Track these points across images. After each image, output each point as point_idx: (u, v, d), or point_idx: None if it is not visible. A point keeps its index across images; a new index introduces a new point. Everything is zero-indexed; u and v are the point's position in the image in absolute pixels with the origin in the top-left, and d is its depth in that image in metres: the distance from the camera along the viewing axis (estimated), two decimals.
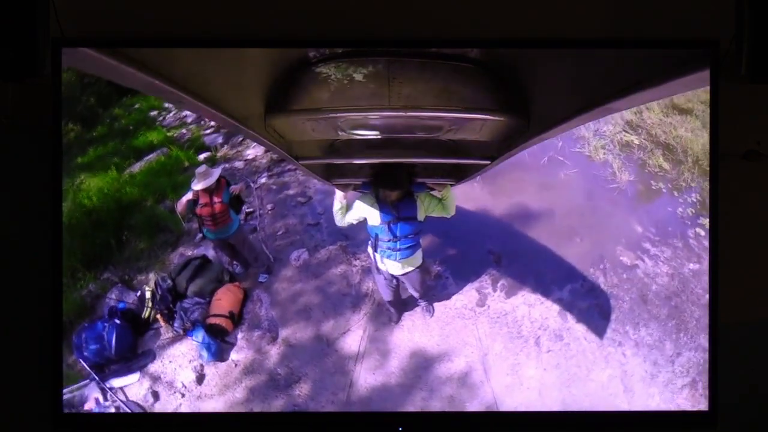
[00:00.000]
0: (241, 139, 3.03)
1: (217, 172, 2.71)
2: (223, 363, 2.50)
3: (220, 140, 3.07)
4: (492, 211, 2.77)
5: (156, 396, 2.44)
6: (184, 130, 3.01)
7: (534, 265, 2.58)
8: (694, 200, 2.55)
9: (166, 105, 2.95)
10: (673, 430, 2.21)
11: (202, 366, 2.50)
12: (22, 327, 2.25)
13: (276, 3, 2.23)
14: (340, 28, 2.21)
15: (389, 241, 2.46)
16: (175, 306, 2.65)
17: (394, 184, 2.37)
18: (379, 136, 2.06)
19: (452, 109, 1.82)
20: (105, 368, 2.47)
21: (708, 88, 2.04)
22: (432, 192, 2.50)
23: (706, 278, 2.30)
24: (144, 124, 2.93)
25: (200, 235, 2.83)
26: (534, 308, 2.49)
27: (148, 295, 2.65)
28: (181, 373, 2.49)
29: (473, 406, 2.31)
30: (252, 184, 3.00)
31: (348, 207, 2.50)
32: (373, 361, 2.42)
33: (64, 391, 2.23)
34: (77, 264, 2.54)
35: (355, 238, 2.74)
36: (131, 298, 2.65)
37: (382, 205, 2.44)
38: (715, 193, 2.07)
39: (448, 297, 2.60)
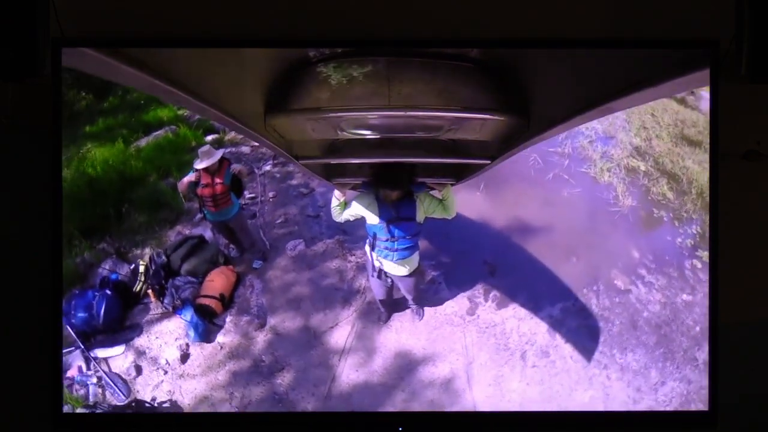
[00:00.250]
0: None
1: (219, 153, 2.72)
2: (208, 344, 2.50)
3: None
4: (491, 222, 2.77)
5: (138, 370, 2.44)
6: None
7: (528, 279, 2.58)
8: (694, 232, 2.55)
9: None
10: (673, 430, 2.19)
11: (187, 345, 2.50)
12: (22, 327, 2.25)
13: (276, 3, 2.24)
14: (340, 28, 2.21)
15: (387, 240, 2.46)
16: (167, 283, 2.66)
17: (395, 184, 2.37)
18: (379, 136, 2.06)
19: (452, 109, 1.82)
20: (91, 337, 2.47)
21: (709, 86, 2.04)
22: (432, 192, 2.49)
23: (698, 310, 2.30)
24: (155, 100, 2.93)
25: (200, 215, 2.83)
26: (523, 322, 2.48)
27: (141, 269, 2.65)
28: (166, 350, 2.49)
29: None
30: (256, 170, 3.01)
31: (346, 204, 2.50)
32: (358, 358, 2.42)
33: None
34: (74, 231, 2.55)
35: (353, 234, 2.74)
36: (125, 270, 2.66)
37: (380, 204, 2.44)
38: (715, 193, 2.06)
39: (439, 302, 2.60)
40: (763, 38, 1.99)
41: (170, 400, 2.37)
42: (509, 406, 2.30)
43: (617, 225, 2.66)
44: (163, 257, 2.69)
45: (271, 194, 2.99)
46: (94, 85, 2.72)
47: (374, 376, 2.38)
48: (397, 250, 2.47)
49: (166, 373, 2.44)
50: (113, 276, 2.63)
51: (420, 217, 2.44)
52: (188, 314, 2.54)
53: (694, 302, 2.39)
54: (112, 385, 2.38)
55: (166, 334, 2.54)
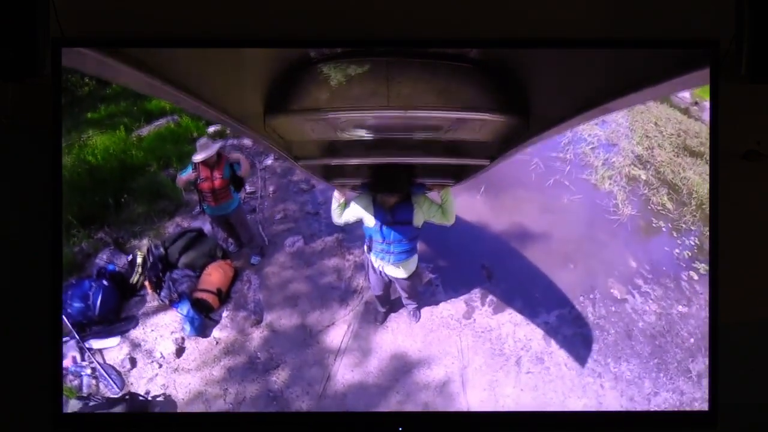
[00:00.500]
0: None
1: (217, 145, 2.70)
2: (204, 339, 2.50)
3: None
4: (491, 227, 2.78)
5: (133, 362, 2.44)
6: None
7: (525, 285, 2.59)
8: (693, 243, 2.56)
9: None
10: (673, 430, 2.21)
11: (183, 339, 2.50)
12: (22, 327, 2.24)
13: (276, 3, 2.22)
14: (340, 28, 2.20)
15: (383, 243, 2.45)
16: (164, 275, 2.65)
17: (392, 188, 2.36)
18: (378, 136, 2.05)
19: (452, 109, 1.81)
20: (86, 328, 2.46)
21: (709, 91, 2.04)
22: (431, 194, 2.49)
23: (693, 322, 2.31)
24: None
25: (199, 208, 2.82)
26: (519, 328, 2.50)
27: (139, 260, 2.64)
28: (162, 343, 2.49)
29: None
30: (257, 164, 3.00)
31: (346, 205, 2.50)
32: (354, 358, 2.43)
33: None
34: (73, 219, 2.54)
35: (352, 232, 2.74)
36: (122, 261, 2.65)
37: (377, 207, 2.43)
38: (715, 193, 2.06)
39: (435, 305, 2.60)
40: (763, 38, 1.99)
41: (164, 394, 2.37)
42: (503, 411, 2.31)
43: (616, 233, 2.67)
44: (161, 249, 2.69)
45: (271, 189, 2.98)
46: None
47: (369, 376, 2.39)
48: (393, 253, 2.47)
49: (160, 366, 2.44)
50: (110, 267, 2.62)
51: (418, 221, 2.43)
52: (185, 308, 2.54)
53: (690, 314, 2.41)
54: (106, 376, 2.38)
55: (162, 327, 2.54)
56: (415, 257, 2.51)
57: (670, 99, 2.94)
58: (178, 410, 2.34)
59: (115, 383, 2.37)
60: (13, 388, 2.23)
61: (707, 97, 2.10)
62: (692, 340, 2.34)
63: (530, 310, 2.53)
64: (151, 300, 2.60)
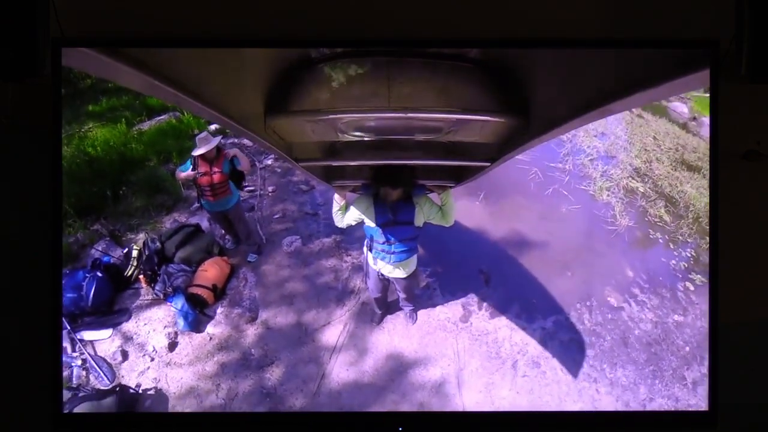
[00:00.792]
0: None
1: (216, 140, 2.70)
2: (198, 334, 2.47)
3: None
4: (489, 233, 2.79)
5: (125, 355, 2.40)
6: None
7: (522, 291, 2.59)
8: (689, 255, 2.59)
9: None
10: (673, 430, 2.19)
11: (176, 334, 2.47)
12: (22, 327, 2.21)
13: (276, 3, 2.24)
14: (340, 28, 2.20)
15: (384, 243, 2.45)
16: (159, 269, 2.63)
17: (396, 182, 2.35)
18: (378, 138, 2.05)
19: (452, 110, 1.81)
20: (78, 319, 2.43)
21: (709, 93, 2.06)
22: (431, 195, 2.49)
23: (688, 331, 2.32)
24: None
25: (197, 204, 2.81)
26: (516, 332, 2.49)
27: (134, 253, 2.62)
28: (155, 337, 2.46)
29: None
30: (257, 163, 3.00)
31: (347, 208, 2.50)
32: (349, 357, 2.41)
33: None
34: (69, 210, 2.51)
35: (351, 234, 2.74)
36: (117, 253, 2.62)
37: (378, 207, 2.43)
38: (715, 193, 2.06)
39: (432, 307, 2.59)
40: (763, 38, 2.00)
41: (155, 388, 2.33)
42: (506, 411, 2.30)
43: (613, 243, 2.69)
44: (158, 243, 2.67)
45: (270, 188, 2.98)
46: None
47: (365, 376, 2.36)
48: (394, 253, 2.46)
49: (152, 360, 2.40)
50: (105, 258, 2.59)
51: (419, 221, 2.43)
52: (179, 302, 2.51)
53: (685, 323, 2.42)
54: (97, 368, 2.34)
55: (155, 321, 2.51)
56: (415, 257, 2.51)
57: (668, 113, 2.98)
58: (170, 404, 2.30)
59: (105, 375, 2.33)
60: (13, 387, 2.20)
61: (706, 113, 2.12)
62: (688, 348, 2.34)
63: (527, 315, 2.53)
64: (145, 294, 2.57)
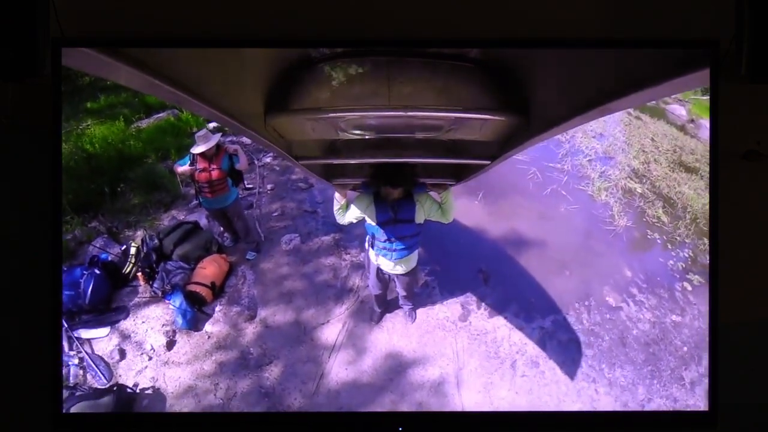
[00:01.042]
0: None
1: (215, 138, 2.69)
2: (196, 333, 2.46)
3: None
4: (489, 232, 2.79)
5: (122, 354, 2.39)
6: None
7: (521, 290, 2.60)
8: (686, 256, 2.60)
9: None
10: (673, 430, 2.19)
11: (174, 332, 2.46)
12: (21, 327, 2.20)
13: (276, 3, 2.24)
14: (340, 28, 2.20)
15: (385, 241, 2.45)
16: (157, 266, 2.61)
17: (397, 181, 2.35)
18: (379, 136, 2.05)
19: (452, 109, 1.81)
20: (76, 317, 2.41)
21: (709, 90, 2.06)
22: (432, 193, 2.49)
23: (686, 331, 2.33)
24: None
25: (195, 201, 2.80)
26: (514, 332, 2.50)
27: (132, 250, 2.61)
28: (153, 335, 2.45)
29: None
30: (256, 161, 2.99)
31: (347, 206, 2.49)
32: (348, 356, 2.40)
33: None
34: (67, 206, 2.50)
35: (350, 232, 2.74)
36: (115, 250, 2.61)
37: (378, 206, 2.43)
38: (715, 193, 2.07)
39: (432, 306, 2.60)
40: (763, 38, 2.00)
41: (153, 387, 2.32)
42: (507, 411, 2.30)
43: (612, 243, 2.70)
44: (156, 240, 2.65)
45: (269, 186, 2.98)
46: None
47: (363, 375, 2.36)
48: (395, 251, 2.46)
49: (150, 359, 2.39)
50: (103, 255, 2.57)
51: (420, 219, 2.43)
52: (177, 300, 2.50)
53: (683, 323, 2.44)
54: (94, 367, 2.32)
55: (153, 320, 2.49)
56: (416, 254, 2.51)
57: (666, 115, 3.00)
58: (167, 403, 2.29)
59: (103, 374, 2.31)
60: (13, 387, 2.18)
61: (704, 115, 2.13)
62: (685, 348, 2.36)
63: (526, 315, 2.53)
64: (143, 292, 2.56)
